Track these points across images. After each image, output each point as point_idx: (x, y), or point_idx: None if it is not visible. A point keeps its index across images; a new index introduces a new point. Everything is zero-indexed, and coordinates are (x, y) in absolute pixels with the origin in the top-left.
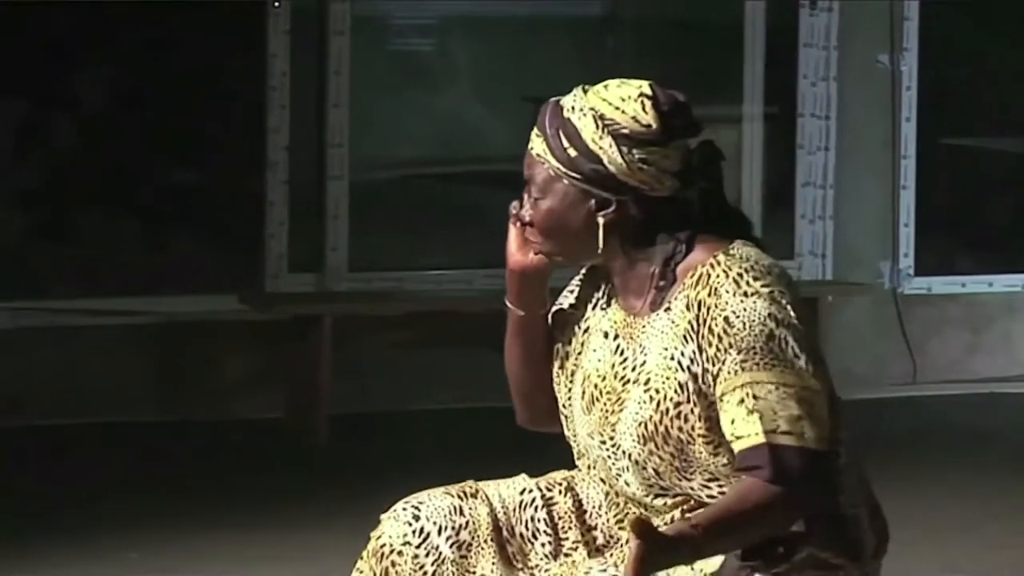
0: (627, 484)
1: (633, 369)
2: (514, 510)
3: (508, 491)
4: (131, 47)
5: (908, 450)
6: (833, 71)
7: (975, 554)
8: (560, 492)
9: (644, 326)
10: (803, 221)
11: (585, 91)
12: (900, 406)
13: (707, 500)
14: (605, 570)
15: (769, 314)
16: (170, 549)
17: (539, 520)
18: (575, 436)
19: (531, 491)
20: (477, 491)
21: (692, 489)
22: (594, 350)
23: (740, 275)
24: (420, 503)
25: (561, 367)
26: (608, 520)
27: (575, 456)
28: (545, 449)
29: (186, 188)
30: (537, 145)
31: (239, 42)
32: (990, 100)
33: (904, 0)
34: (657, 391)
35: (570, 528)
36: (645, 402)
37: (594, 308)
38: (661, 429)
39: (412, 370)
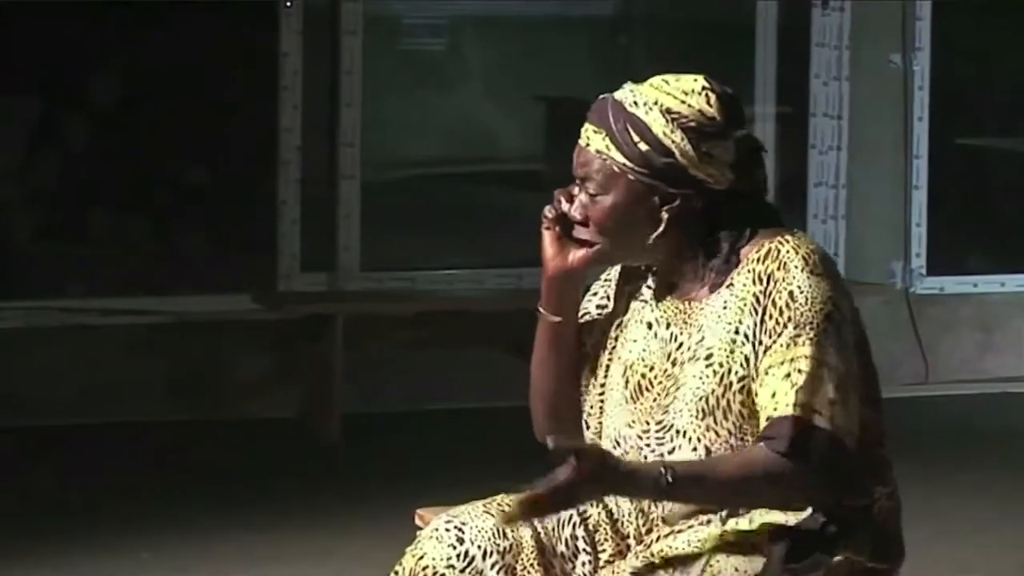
0: None
1: (690, 349)
2: (553, 529)
3: None
4: (143, 47)
5: (920, 450)
6: (845, 71)
7: (989, 554)
8: (591, 504)
9: (702, 307)
10: (815, 221)
11: (639, 86)
12: (912, 406)
13: None
14: (649, 565)
15: (831, 296)
16: (182, 549)
17: (578, 537)
18: (605, 432)
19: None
20: None
21: None
22: (634, 341)
23: (808, 255)
24: (463, 524)
25: (592, 368)
26: (638, 527)
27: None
28: None
29: (198, 188)
30: (597, 142)
31: (251, 42)
32: (1002, 100)
33: (916, 0)
34: (721, 364)
35: (606, 540)
36: (708, 377)
37: (629, 303)
38: (723, 403)
39: (424, 369)
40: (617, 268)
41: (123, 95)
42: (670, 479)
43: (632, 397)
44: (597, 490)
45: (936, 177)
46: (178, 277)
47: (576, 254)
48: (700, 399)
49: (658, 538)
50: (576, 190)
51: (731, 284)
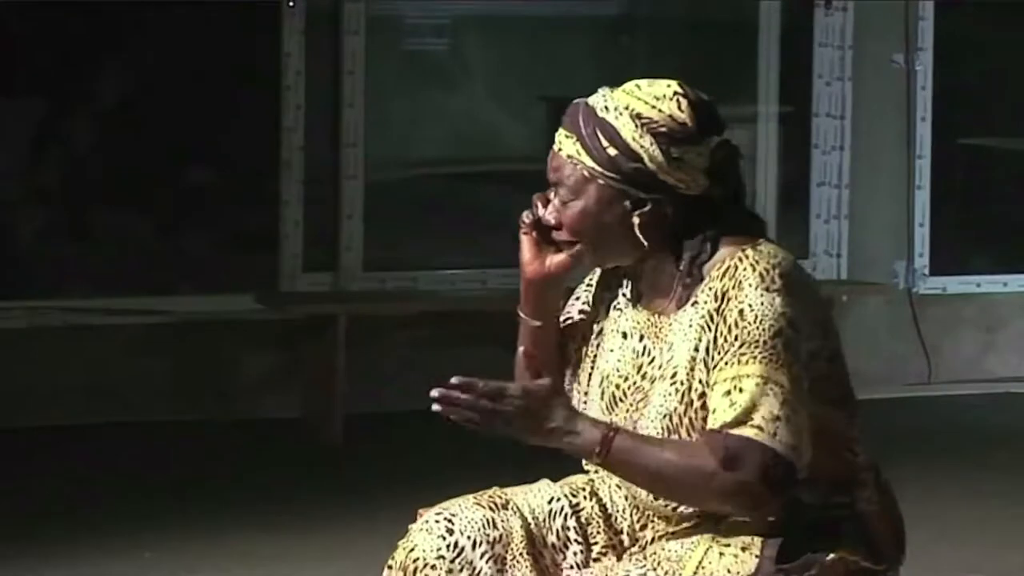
0: None
1: (660, 367)
2: (544, 520)
3: (536, 500)
4: (147, 47)
5: (923, 450)
6: (848, 71)
7: (993, 554)
8: (585, 497)
9: (671, 323)
10: (818, 221)
11: (613, 91)
12: (915, 406)
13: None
14: (645, 573)
15: (783, 312)
16: (185, 548)
17: (569, 528)
18: None
19: (559, 499)
20: (507, 501)
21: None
22: (611, 351)
23: (766, 270)
24: (453, 515)
25: (574, 373)
26: (632, 523)
27: (583, 461)
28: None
29: (201, 188)
30: (568, 146)
31: (254, 42)
32: (1005, 100)
33: (919, 0)
34: (683, 383)
35: (598, 533)
36: (671, 394)
37: (608, 310)
38: (686, 421)
39: (427, 369)
40: (598, 273)
41: (126, 95)
42: (606, 449)
43: (608, 408)
44: (539, 420)
45: (939, 177)
46: (181, 277)
47: (553, 259)
48: (664, 416)
49: (652, 539)
50: (551, 195)
51: (695, 302)
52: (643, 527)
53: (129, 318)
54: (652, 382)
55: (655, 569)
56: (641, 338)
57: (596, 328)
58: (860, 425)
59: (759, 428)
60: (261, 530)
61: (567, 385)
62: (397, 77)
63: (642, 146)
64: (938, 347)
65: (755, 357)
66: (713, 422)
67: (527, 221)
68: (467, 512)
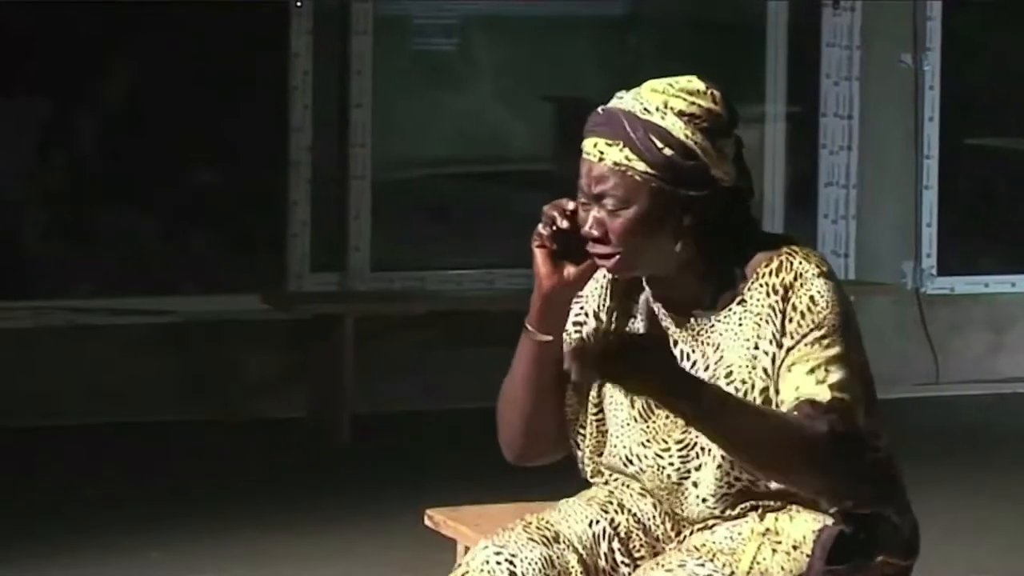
0: (694, 485)
1: (707, 368)
2: (592, 547)
3: (579, 526)
4: (154, 47)
5: (931, 450)
6: (856, 71)
7: (1001, 554)
8: (616, 511)
9: (712, 325)
10: (826, 221)
11: (639, 94)
12: (923, 406)
13: (773, 497)
14: (703, 563)
15: (846, 299)
16: (191, 548)
17: (615, 551)
18: (610, 451)
19: (598, 521)
20: (557, 534)
21: (760, 480)
22: None
23: (820, 262)
24: (513, 556)
25: (577, 387)
26: (666, 530)
27: (590, 474)
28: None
29: (209, 188)
30: (613, 154)
31: (261, 42)
32: (1013, 100)
33: (927, 0)
34: (743, 381)
35: (641, 546)
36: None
37: (615, 320)
38: None
39: (434, 369)
40: (596, 285)
41: (132, 95)
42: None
43: (642, 416)
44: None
45: (947, 177)
46: (188, 277)
47: (572, 270)
48: None
49: (691, 532)
50: (574, 205)
51: (743, 300)
52: (678, 533)
53: (135, 318)
54: None
55: (712, 560)
56: (676, 343)
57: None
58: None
59: (852, 407)
60: (267, 530)
61: (567, 401)
62: (405, 77)
63: (696, 142)
64: (946, 347)
65: (834, 340)
66: (800, 395)
67: (544, 233)
68: (525, 551)
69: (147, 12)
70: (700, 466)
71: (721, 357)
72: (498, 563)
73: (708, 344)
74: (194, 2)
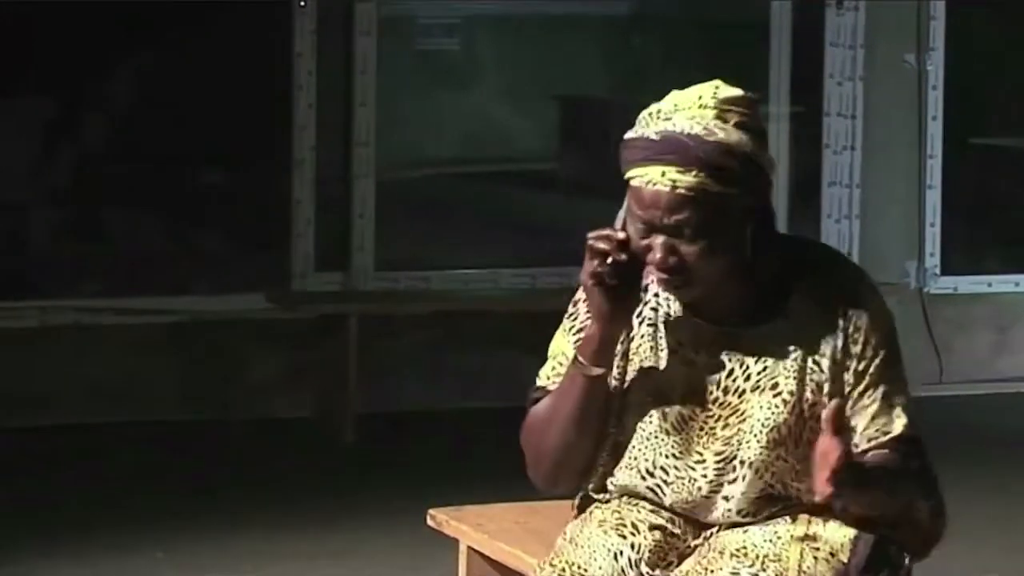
0: (724, 499)
1: (748, 379)
2: None
3: (605, 563)
4: (158, 46)
5: (934, 450)
6: (859, 70)
7: (1007, 554)
8: (631, 532)
9: (752, 335)
10: (829, 220)
11: (685, 111)
12: (926, 406)
13: (804, 505)
14: (757, 574)
15: (883, 301)
16: (196, 548)
17: (645, 574)
18: (628, 463)
19: (622, 552)
20: None
21: (798, 491)
22: (653, 370)
23: (863, 277)
24: None
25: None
26: (686, 528)
27: (594, 489)
28: None
29: (213, 187)
30: (687, 180)
31: (265, 41)
32: (1017, 99)
33: (931, 0)
34: (791, 393)
35: (668, 552)
36: (777, 407)
37: (648, 325)
38: (795, 432)
39: (439, 369)
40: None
41: (138, 95)
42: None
43: (675, 428)
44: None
45: (950, 177)
46: (193, 276)
47: (629, 303)
48: (771, 430)
49: (717, 530)
50: (624, 235)
51: (787, 310)
52: (697, 532)
53: (141, 318)
54: (741, 395)
55: (764, 570)
56: (712, 354)
57: (620, 352)
58: None
59: (910, 425)
60: (272, 529)
61: (612, 428)
62: (409, 76)
63: (758, 154)
64: (949, 347)
65: (897, 359)
66: (892, 431)
67: (603, 271)
68: None
69: (152, 11)
70: (736, 479)
71: (765, 367)
72: None
73: (747, 353)
74: (199, 2)
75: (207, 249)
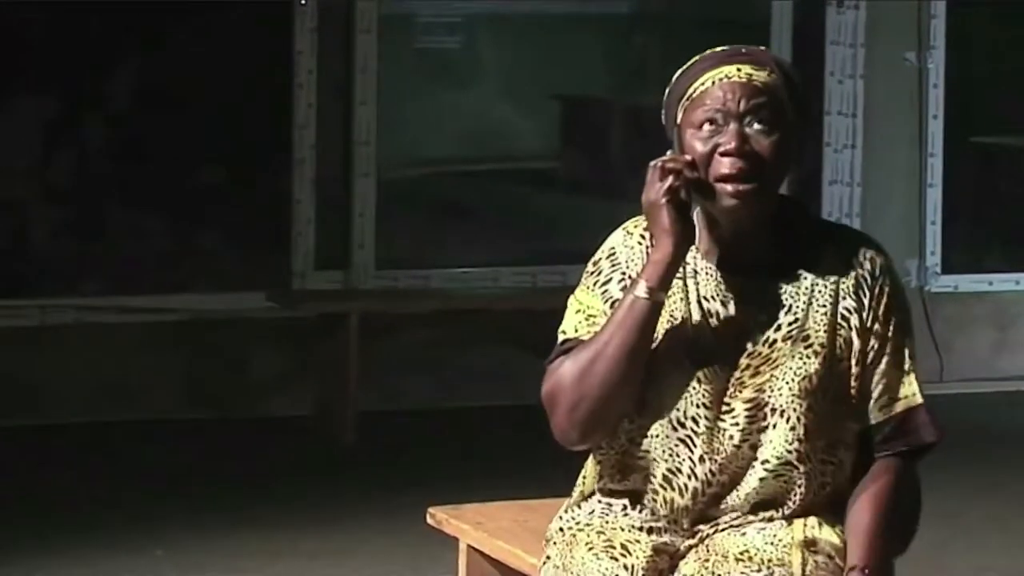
0: (752, 448)
1: (779, 329)
2: None
3: None
4: (159, 45)
5: (935, 448)
6: (860, 69)
7: (1007, 553)
8: (622, 554)
9: (783, 288)
10: (830, 219)
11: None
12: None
13: (824, 473)
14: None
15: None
16: (196, 546)
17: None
18: (655, 412)
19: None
20: None
21: (820, 452)
22: (682, 319)
23: (886, 253)
24: None
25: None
26: (675, 530)
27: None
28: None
29: (213, 186)
30: (763, 77)
31: (266, 40)
32: (1017, 98)
33: None
34: (823, 346)
35: (662, 556)
36: (809, 357)
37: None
38: (824, 384)
39: (439, 367)
40: (631, 253)
41: (138, 94)
42: None
43: (706, 378)
44: None
45: (951, 175)
46: (193, 275)
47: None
48: (803, 379)
49: (714, 532)
50: (691, 157)
51: (816, 263)
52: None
53: (141, 316)
54: (772, 345)
55: (743, 560)
56: (738, 303)
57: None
58: None
59: (920, 393)
60: (273, 528)
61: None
62: (409, 75)
63: (808, 89)
64: (950, 345)
65: (910, 327)
66: (903, 396)
67: (675, 184)
68: None
69: (152, 10)
70: (767, 427)
71: (796, 319)
72: None
73: (777, 305)
74: (199, 1)
75: (207, 248)
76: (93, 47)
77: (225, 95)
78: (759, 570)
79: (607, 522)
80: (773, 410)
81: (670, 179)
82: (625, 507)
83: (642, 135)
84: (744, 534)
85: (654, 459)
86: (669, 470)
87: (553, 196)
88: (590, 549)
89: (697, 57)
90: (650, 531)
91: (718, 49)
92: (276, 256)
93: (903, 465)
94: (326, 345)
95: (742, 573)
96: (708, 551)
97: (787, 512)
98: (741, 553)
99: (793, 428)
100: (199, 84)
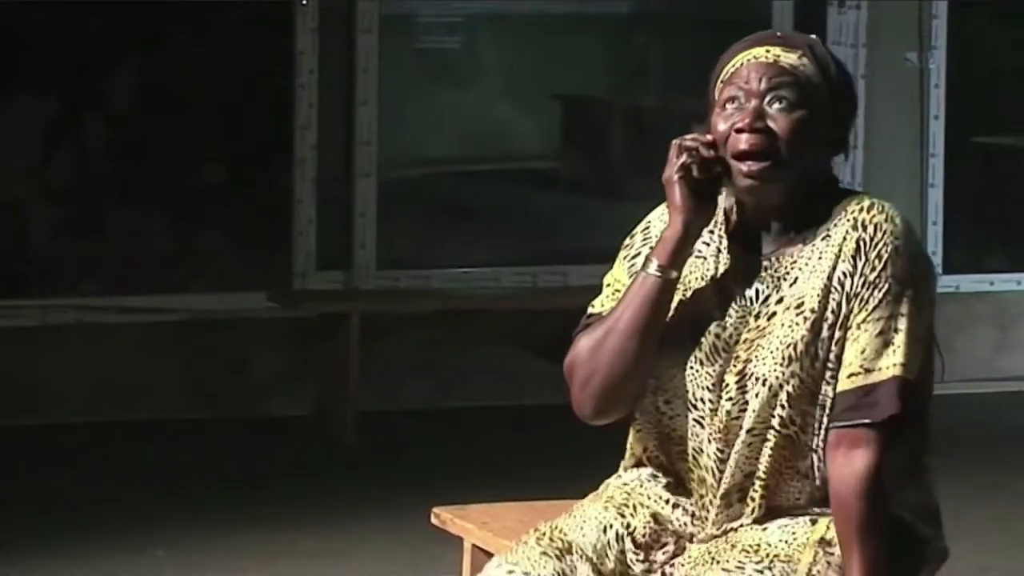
0: (742, 411)
1: (780, 301)
2: (606, 553)
3: (592, 533)
4: (160, 45)
5: (936, 448)
6: (861, 69)
7: (1008, 553)
8: (631, 513)
9: (794, 261)
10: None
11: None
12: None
13: (813, 440)
14: (762, 571)
15: (929, 259)
16: (197, 546)
17: (630, 550)
18: (671, 392)
19: (611, 526)
20: (570, 544)
21: (806, 420)
22: (699, 299)
23: (905, 217)
24: (527, 573)
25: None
26: (694, 527)
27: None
28: (569, 445)
29: (214, 186)
30: (791, 58)
31: (267, 40)
32: (1019, 98)
33: None
34: (812, 311)
35: (658, 543)
36: (798, 324)
37: (696, 258)
38: (811, 350)
39: (441, 368)
40: (660, 223)
41: (139, 94)
42: None
43: (709, 359)
44: None
45: (952, 175)
46: (194, 275)
47: (708, 203)
48: (788, 346)
49: (739, 527)
50: (711, 137)
51: (828, 236)
52: (720, 531)
53: (142, 316)
54: (771, 318)
55: (770, 568)
56: (751, 284)
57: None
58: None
59: (910, 372)
60: (273, 528)
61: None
62: (410, 75)
63: (848, 75)
64: (951, 345)
65: (908, 298)
66: (877, 368)
67: (687, 161)
68: (539, 568)
69: (153, 10)
70: (746, 406)
71: (795, 287)
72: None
73: (784, 277)
74: (200, 1)
75: (208, 248)
76: (93, 47)
77: (226, 95)
78: (760, 562)
79: (644, 488)
80: (756, 379)
81: (684, 156)
82: (669, 483)
83: (642, 135)
84: (765, 529)
85: (681, 436)
86: (695, 449)
87: (554, 196)
88: (608, 501)
89: (739, 42)
90: (675, 506)
91: (758, 33)
92: (277, 256)
93: (870, 451)
94: (327, 345)
95: (739, 563)
96: (725, 540)
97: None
98: (750, 546)
99: (775, 396)
100: (200, 84)
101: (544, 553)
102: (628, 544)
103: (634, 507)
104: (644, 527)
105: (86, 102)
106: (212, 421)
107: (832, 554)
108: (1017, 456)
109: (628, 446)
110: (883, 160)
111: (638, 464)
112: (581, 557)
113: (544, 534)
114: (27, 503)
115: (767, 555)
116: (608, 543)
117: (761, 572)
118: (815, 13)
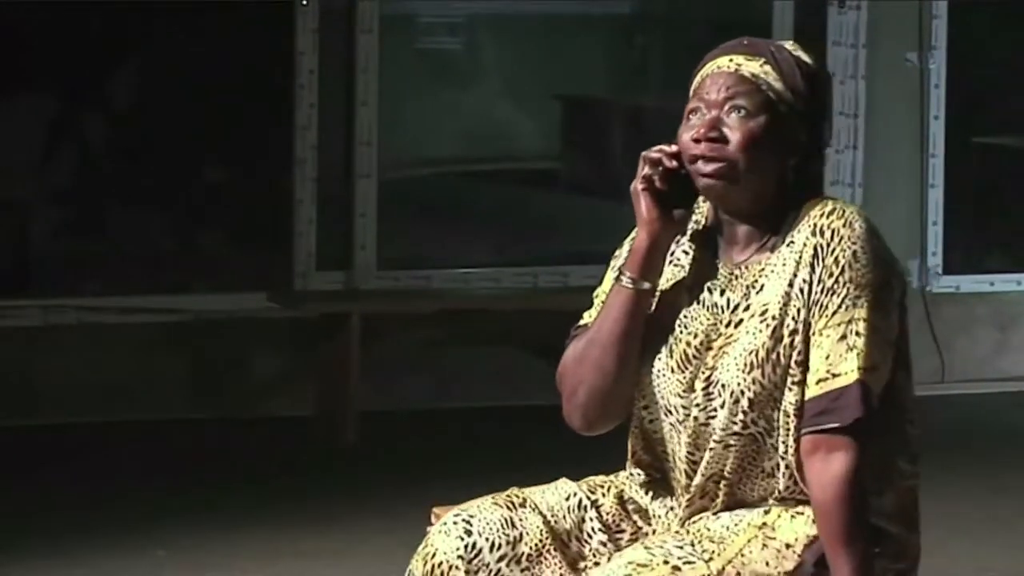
0: (709, 419)
1: (747, 309)
2: (564, 515)
3: (554, 497)
4: (160, 45)
5: (937, 449)
6: (862, 70)
7: (1008, 553)
8: (603, 494)
9: (761, 268)
10: None
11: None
12: (928, 405)
13: (777, 440)
14: (683, 547)
15: (890, 263)
16: (198, 547)
17: (591, 519)
18: (652, 398)
19: (576, 494)
20: (524, 500)
21: (773, 423)
22: (672, 306)
23: (868, 219)
24: (471, 517)
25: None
26: (669, 522)
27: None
28: (569, 445)
29: (215, 186)
30: (752, 67)
31: (267, 40)
32: (1019, 98)
33: None
34: (774, 317)
35: (623, 524)
36: (760, 331)
37: (674, 267)
38: (773, 356)
39: (441, 368)
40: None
41: (140, 94)
42: None
43: (680, 366)
44: None
45: (952, 176)
46: (195, 275)
47: (676, 212)
48: (750, 352)
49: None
50: (676, 148)
51: (791, 242)
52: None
53: (143, 316)
54: (738, 325)
55: (693, 545)
56: (722, 292)
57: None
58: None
59: (870, 377)
60: (274, 528)
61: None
62: (411, 76)
63: (823, 80)
64: (951, 346)
65: (868, 302)
66: (840, 373)
67: (652, 174)
68: (485, 513)
69: (154, 11)
70: (719, 405)
71: (761, 294)
72: (455, 523)
73: (751, 287)
74: (201, 1)
75: (209, 248)
76: (93, 47)
77: (226, 95)
78: (690, 544)
79: (635, 482)
80: (723, 386)
81: (646, 168)
82: (656, 481)
83: (643, 135)
84: (718, 518)
85: (662, 439)
86: (672, 451)
87: (554, 196)
88: (586, 481)
89: (710, 52)
90: (655, 496)
91: (726, 43)
92: (277, 256)
93: (847, 455)
94: (327, 345)
95: (661, 543)
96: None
97: (752, 490)
98: (688, 531)
99: (737, 401)
100: (200, 84)
101: (495, 503)
102: (592, 514)
103: (607, 489)
104: (610, 507)
105: (86, 102)
106: (212, 421)
107: (772, 538)
108: (1017, 456)
109: (629, 444)
110: (883, 160)
111: (638, 464)
112: (534, 510)
113: (501, 494)
114: (27, 503)
115: (701, 537)
116: (569, 508)
117: (681, 547)
118: (815, 13)
